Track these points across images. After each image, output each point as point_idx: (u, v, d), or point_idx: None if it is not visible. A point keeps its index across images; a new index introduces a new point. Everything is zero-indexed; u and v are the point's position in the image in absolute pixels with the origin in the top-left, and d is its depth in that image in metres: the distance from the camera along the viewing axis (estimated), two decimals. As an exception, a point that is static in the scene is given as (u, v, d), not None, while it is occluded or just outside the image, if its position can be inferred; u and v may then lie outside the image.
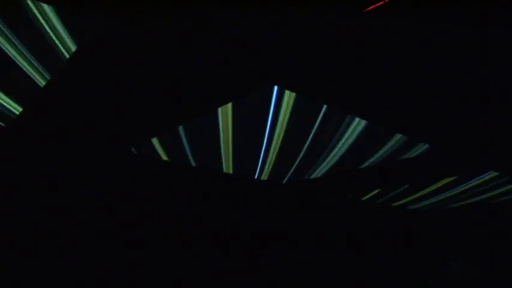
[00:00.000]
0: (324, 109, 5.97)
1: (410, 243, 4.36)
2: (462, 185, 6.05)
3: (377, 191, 6.55)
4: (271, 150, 6.36)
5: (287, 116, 5.95)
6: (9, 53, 4.29)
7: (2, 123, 4.74)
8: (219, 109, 5.71)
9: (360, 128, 6.05)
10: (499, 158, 5.20)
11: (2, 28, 3.96)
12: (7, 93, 4.68)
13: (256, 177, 6.15)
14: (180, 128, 5.98)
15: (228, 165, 6.29)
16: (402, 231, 4.80)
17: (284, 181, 6.37)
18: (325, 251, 4.17)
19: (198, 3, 3.45)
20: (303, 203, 5.93)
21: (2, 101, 4.61)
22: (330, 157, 6.29)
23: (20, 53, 4.37)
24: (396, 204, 6.28)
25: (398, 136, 5.94)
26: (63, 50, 4.47)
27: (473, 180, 6.04)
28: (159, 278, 3.63)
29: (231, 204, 5.67)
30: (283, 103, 5.69)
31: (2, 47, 4.16)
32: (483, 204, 5.54)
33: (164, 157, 6.03)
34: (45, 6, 3.91)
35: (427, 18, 4.47)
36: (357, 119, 5.98)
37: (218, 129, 6.05)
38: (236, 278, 3.61)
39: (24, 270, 3.61)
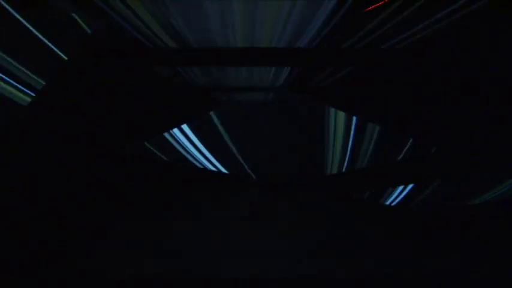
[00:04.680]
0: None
1: (410, 243, 4.34)
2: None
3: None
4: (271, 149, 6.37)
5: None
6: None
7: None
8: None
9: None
10: (501, 158, 5.19)
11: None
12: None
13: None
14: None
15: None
16: (403, 231, 4.78)
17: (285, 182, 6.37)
18: (326, 251, 4.16)
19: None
20: (304, 203, 5.91)
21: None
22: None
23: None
24: (396, 203, 6.27)
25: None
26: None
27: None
28: (158, 279, 3.62)
29: (230, 204, 5.66)
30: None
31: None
32: (483, 204, 5.53)
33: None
34: None
35: (426, 18, 4.48)
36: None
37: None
38: (237, 280, 3.61)
39: (23, 271, 3.61)
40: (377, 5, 4.07)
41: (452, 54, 4.71)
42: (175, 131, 6.39)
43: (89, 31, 4.87)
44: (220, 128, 6.46)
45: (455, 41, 4.65)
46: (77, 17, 4.64)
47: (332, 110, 6.02)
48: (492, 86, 4.71)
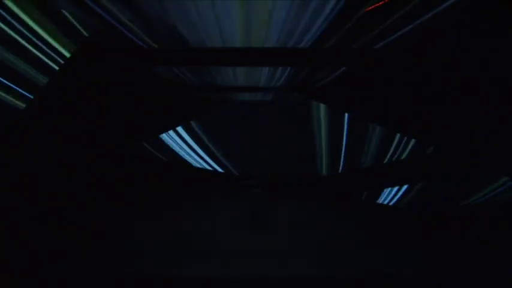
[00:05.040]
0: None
1: (410, 243, 4.35)
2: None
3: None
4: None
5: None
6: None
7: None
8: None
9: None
10: (501, 158, 5.20)
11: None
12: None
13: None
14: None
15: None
16: (403, 231, 4.79)
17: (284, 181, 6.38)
18: (326, 251, 4.16)
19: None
20: (304, 203, 5.92)
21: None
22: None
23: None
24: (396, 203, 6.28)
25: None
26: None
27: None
28: (158, 279, 3.62)
29: (231, 204, 5.67)
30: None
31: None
32: (483, 204, 5.53)
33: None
34: None
35: (425, 20, 4.47)
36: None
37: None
38: (237, 280, 3.61)
39: (23, 271, 3.61)
40: (377, 5, 4.07)
41: (452, 54, 4.71)
42: (174, 131, 6.40)
43: (87, 32, 4.87)
44: (220, 128, 6.47)
45: (456, 41, 4.64)
46: (74, 21, 4.64)
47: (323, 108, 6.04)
48: (492, 86, 4.71)
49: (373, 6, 4.04)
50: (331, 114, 6.09)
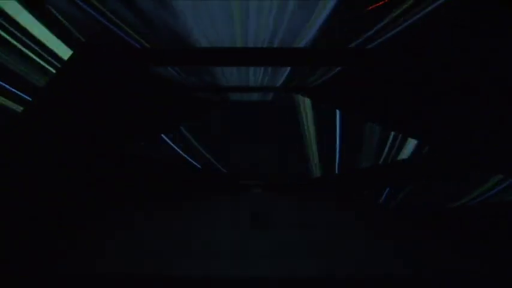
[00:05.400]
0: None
1: (410, 243, 4.35)
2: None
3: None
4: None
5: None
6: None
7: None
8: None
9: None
10: (501, 158, 5.20)
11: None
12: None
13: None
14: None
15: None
16: (402, 231, 4.79)
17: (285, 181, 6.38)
18: (326, 251, 4.16)
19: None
20: (304, 203, 5.92)
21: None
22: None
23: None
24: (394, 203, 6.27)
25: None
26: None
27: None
28: (158, 279, 3.62)
29: (231, 204, 5.67)
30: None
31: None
32: (482, 204, 5.53)
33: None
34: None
35: (425, 20, 4.47)
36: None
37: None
38: (237, 280, 3.60)
39: (23, 271, 3.61)
40: (378, 4, 4.08)
41: (452, 54, 4.71)
42: (174, 130, 6.40)
43: (86, 34, 4.87)
44: (220, 128, 6.47)
45: (456, 41, 4.64)
46: (70, 24, 4.65)
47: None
48: (492, 86, 4.71)
49: (374, 6, 4.04)
50: (327, 114, 6.10)
